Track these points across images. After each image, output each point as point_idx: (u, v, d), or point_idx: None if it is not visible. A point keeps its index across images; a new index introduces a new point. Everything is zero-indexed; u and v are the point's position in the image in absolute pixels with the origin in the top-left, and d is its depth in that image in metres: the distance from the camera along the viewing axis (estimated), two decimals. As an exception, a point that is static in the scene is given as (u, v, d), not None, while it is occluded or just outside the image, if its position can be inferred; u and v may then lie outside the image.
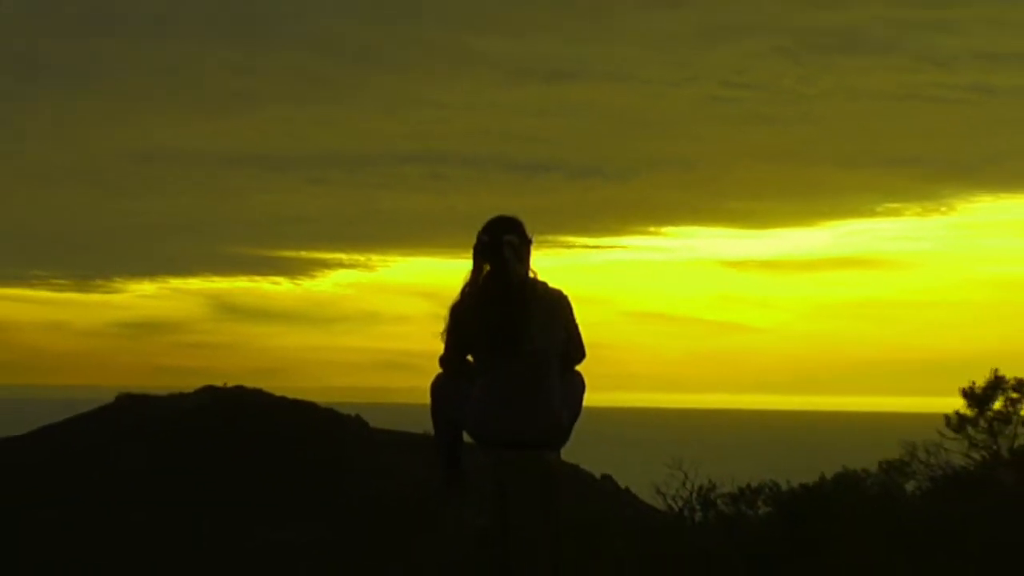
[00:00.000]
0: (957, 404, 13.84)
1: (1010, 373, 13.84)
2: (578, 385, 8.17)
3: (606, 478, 26.31)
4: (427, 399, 8.19)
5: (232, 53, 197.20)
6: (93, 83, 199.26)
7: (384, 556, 13.32)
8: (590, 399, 8.28)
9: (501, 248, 7.97)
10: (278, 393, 31.23)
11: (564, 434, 8.17)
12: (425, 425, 8.42)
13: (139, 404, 30.86)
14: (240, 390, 30.89)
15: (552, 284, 8.14)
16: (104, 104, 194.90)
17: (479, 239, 8.02)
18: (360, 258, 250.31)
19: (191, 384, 31.58)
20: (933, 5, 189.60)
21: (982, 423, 13.69)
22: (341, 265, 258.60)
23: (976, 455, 13.59)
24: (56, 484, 26.36)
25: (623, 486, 25.67)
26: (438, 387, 8.14)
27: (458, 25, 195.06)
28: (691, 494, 11.70)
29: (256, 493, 25.28)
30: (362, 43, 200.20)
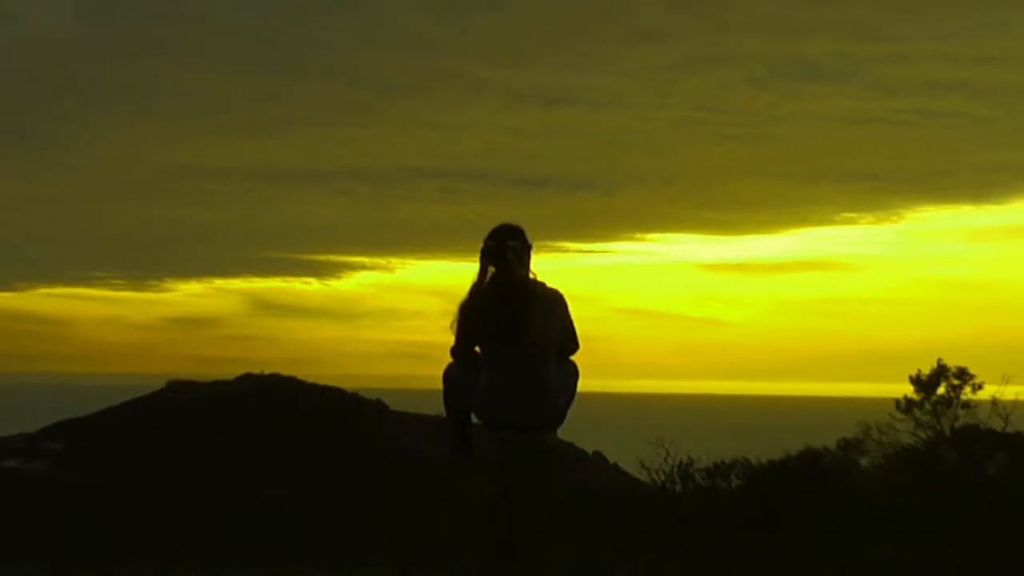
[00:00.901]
0: (906, 389, 13.82)
1: (952, 362, 13.83)
2: (573, 373, 8.16)
3: (597, 454, 26.33)
4: (440, 385, 8.19)
5: (268, 81, 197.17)
6: (147, 107, 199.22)
7: (399, 523, 13.30)
8: (583, 385, 8.27)
9: (505, 252, 7.96)
10: (309, 380, 31.33)
11: (561, 416, 8.17)
12: (438, 408, 8.39)
13: (187, 389, 30.98)
14: (275, 377, 30.99)
15: (550, 284, 8.13)
16: (156, 126, 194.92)
17: (485, 244, 8.01)
18: (380, 261, 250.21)
19: (232, 372, 31.72)
20: (883, 40, 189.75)
21: (927, 406, 13.66)
22: (364, 267, 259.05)
23: (922, 434, 13.57)
24: (119, 458, 26.43)
25: (612, 461, 25.68)
26: (449, 374, 8.13)
27: (466, 57, 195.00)
28: (672, 468, 11.68)
29: (289, 467, 25.33)
30: (382, 72, 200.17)
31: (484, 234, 8.03)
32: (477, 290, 8.01)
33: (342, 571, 9.32)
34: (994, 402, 13.45)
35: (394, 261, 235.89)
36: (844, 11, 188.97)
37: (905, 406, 13.75)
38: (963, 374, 13.75)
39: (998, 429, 13.36)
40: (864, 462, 12.94)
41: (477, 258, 8.02)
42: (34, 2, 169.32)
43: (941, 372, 13.76)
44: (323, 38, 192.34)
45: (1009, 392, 13.42)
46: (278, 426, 27.22)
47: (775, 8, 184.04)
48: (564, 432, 8.46)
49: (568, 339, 8.11)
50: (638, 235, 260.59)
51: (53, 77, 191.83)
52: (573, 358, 8.20)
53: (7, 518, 21.97)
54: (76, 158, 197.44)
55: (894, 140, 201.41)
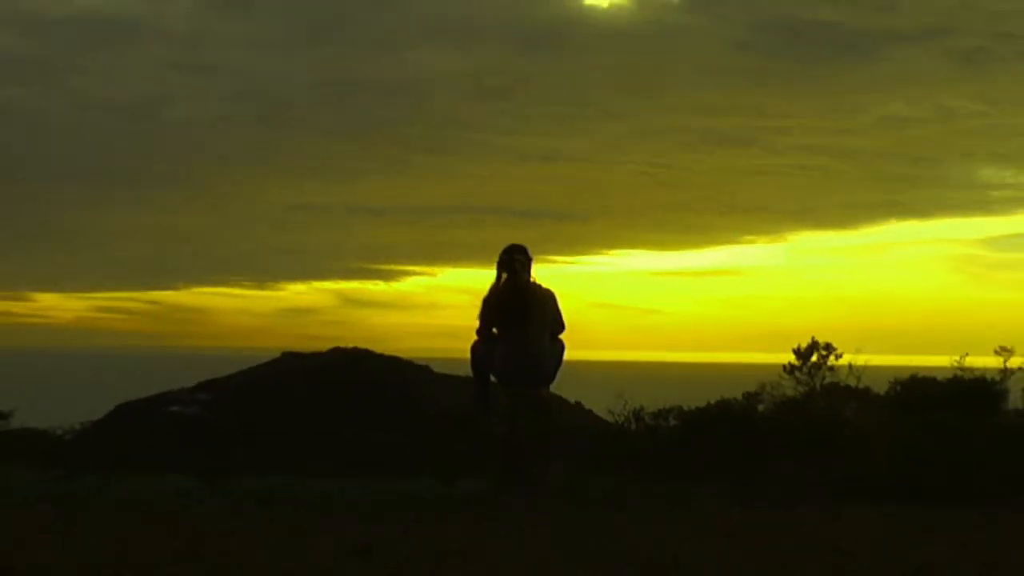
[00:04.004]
0: (790, 358, 13.82)
1: (822, 339, 13.85)
2: (560, 347, 8.22)
3: (578, 403, 26.24)
4: (468, 355, 8.24)
5: (349, 145, 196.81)
6: (271, 164, 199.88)
7: (442, 450, 13.33)
8: (568, 355, 8.32)
9: (513, 263, 8.01)
10: (378, 351, 31.19)
11: (551, 378, 8.22)
12: (467, 371, 8.44)
13: (295, 358, 30.87)
14: (355, 349, 30.87)
15: (545, 285, 8.18)
16: (276, 177, 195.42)
17: (500, 257, 8.07)
18: (427, 269, 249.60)
19: (325, 346, 31.57)
20: (772, 117, 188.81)
21: (805, 370, 13.67)
22: (415, 274, 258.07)
23: (801, 389, 13.57)
24: (248, 405, 26.41)
25: (588, 408, 25.61)
26: (475, 348, 8.19)
27: (487, 129, 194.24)
28: (629, 413, 11.63)
29: (366, 411, 25.29)
30: (428, 139, 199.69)
31: (499, 250, 8.09)
32: (495, 290, 8.08)
33: (399, 483, 9.35)
34: (850, 367, 13.47)
35: (436, 269, 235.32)
36: (745, 98, 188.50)
37: (789, 369, 13.76)
38: (829, 347, 13.76)
39: (852, 385, 13.38)
40: (761, 408, 12.94)
41: (495, 267, 8.08)
42: (189, 91, 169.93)
43: (814, 346, 13.77)
44: (387, 116, 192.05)
45: (860, 359, 13.47)
46: (357, 383, 27.26)
47: (699, 96, 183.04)
48: (555, 387, 8.52)
49: (557, 323, 8.18)
50: (605, 251, 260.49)
51: (206, 143, 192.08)
52: (561, 337, 8.26)
53: (171, 446, 22.01)
54: (221, 199, 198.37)
55: (781, 186, 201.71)
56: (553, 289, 8.13)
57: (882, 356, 14.41)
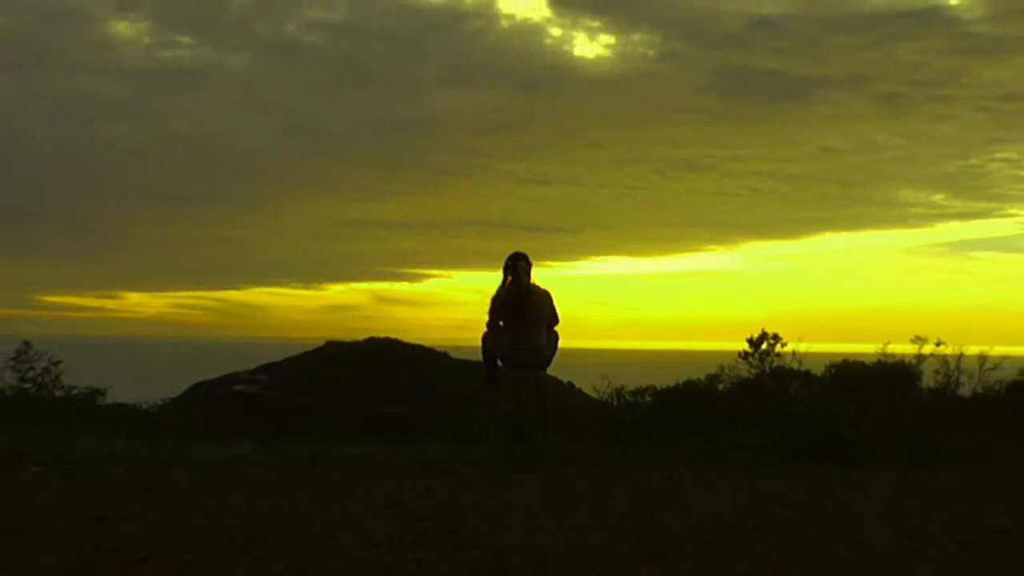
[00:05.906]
0: (744, 346, 13.80)
1: (770, 330, 13.80)
2: (556, 338, 8.22)
3: (570, 383, 26.19)
4: (479, 344, 8.25)
5: (380, 171, 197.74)
6: (314, 186, 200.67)
7: (457, 422, 13.31)
8: (563, 343, 8.32)
9: (517, 268, 8.01)
10: (405, 340, 31.17)
11: (548, 363, 8.22)
12: (478, 357, 8.44)
13: (337, 345, 30.90)
14: (386, 339, 30.89)
15: (542, 286, 8.18)
16: (319, 196, 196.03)
17: (506, 262, 8.07)
18: (444, 273, 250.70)
19: (361, 336, 31.59)
20: (728, 148, 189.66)
21: (756, 355, 13.64)
22: (435, 276, 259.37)
23: (753, 371, 13.54)
24: (298, 384, 26.41)
25: (578, 387, 25.55)
26: (485, 338, 8.19)
27: (495, 158, 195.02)
28: (612, 391, 11.63)
29: (394, 390, 25.28)
30: (445, 165, 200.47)
31: (505, 257, 8.10)
32: (501, 290, 8.08)
33: (423, 448, 9.37)
34: (794, 353, 13.43)
35: (453, 272, 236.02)
36: (707, 132, 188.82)
37: (744, 355, 13.73)
38: (776, 337, 13.73)
39: (796, 368, 13.36)
40: (720, 387, 12.92)
41: (501, 271, 8.09)
42: (251, 127, 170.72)
43: (764, 336, 13.74)
44: (411, 146, 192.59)
45: (802, 347, 13.43)
46: (388, 366, 27.30)
47: (669, 131, 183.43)
48: (551, 370, 8.52)
49: (553, 318, 8.18)
50: (593, 257, 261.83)
51: (264, 169, 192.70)
52: (556, 329, 8.26)
53: (235, 418, 22.01)
54: (276, 215, 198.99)
55: (736, 204, 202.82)
56: (549, 289, 8.14)
57: (820, 344, 14.37)
